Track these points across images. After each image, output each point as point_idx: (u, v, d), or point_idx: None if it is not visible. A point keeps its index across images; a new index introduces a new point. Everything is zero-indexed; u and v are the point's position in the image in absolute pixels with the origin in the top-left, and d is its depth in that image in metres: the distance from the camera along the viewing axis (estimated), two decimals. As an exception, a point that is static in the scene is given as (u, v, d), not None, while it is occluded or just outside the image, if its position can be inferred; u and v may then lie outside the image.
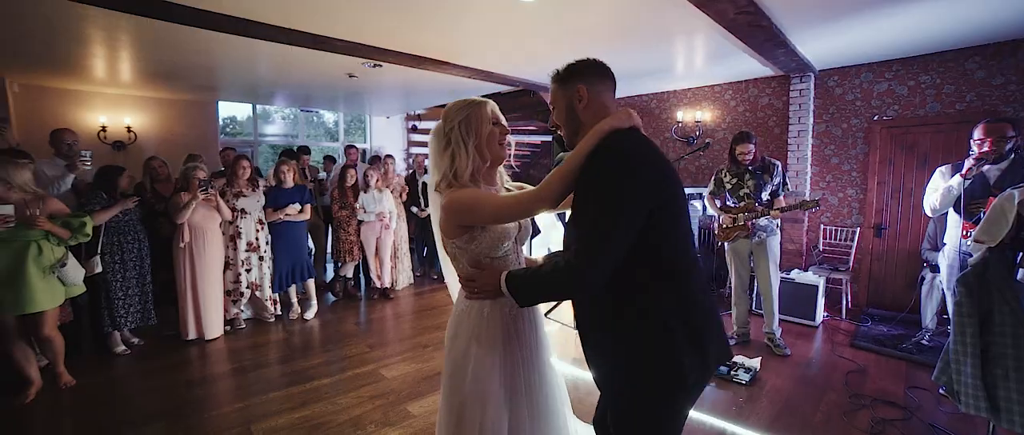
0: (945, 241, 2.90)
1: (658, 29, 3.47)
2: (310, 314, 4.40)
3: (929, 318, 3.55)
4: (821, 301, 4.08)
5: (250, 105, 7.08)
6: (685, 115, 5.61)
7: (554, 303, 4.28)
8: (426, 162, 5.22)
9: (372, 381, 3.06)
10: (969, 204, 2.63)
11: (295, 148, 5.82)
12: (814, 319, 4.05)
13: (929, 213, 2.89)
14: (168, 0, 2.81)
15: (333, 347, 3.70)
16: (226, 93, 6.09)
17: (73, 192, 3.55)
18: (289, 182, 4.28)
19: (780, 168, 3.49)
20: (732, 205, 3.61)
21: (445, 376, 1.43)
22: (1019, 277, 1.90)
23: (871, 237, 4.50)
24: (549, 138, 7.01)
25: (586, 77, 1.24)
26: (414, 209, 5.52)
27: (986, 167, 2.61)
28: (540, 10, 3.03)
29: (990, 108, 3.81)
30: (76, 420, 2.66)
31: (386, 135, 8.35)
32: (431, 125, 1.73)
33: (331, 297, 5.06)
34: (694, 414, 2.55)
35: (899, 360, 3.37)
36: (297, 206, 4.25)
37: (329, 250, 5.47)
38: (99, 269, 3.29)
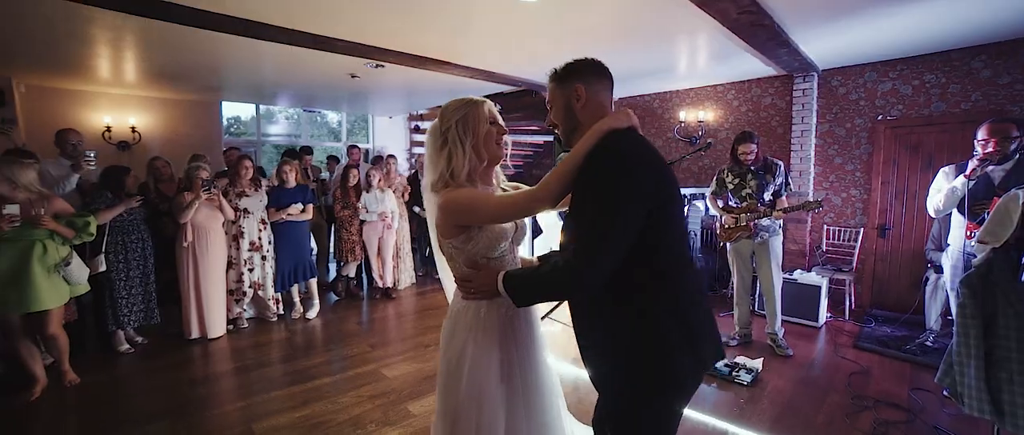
0: (949, 242, 2.88)
1: (660, 29, 3.46)
2: (312, 314, 4.42)
3: (933, 319, 3.52)
4: (824, 302, 4.06)
5: (254, 105, 7.12)
6: (688, 115, 5.59)
7: (554, 304, 4.27)
8: (427, 162, 5.21)
9: (373, 380, 3.07)
10: (973, 205, 2.60)
11: (298, 148, 5.84)
12: (817, 320, 4.02)
13: (933, 214, 2.87)
14: (169, 0, 2.82)
15: (335, 346, 3.71)
16: (230, 93, 6.12)
17: (78, 192, 3.58)
18: (292, 182, 4.30)
19: (782, 168, 3.48)
20: (734, 205, 3.59)
21: (441, 376, 1.43)
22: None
23: (875, 238, 4.47)
24: (551, 138, 6.98)
25: (584, 76, 1.24)
26: (416, 209, 5.52)
27: (990, 168, 2.59)
28: (542, 10, 3.03)
29: (996, 108, 3.78)
30: (80, 418, 2.69)
31: (389, 135, 8.37)
32: (432, 125, 1.72)
33: (333, 297, 5.08)
34: (696, 415, 2.53)
35: (903, 362, 3.34)
36: (299, 206, 4.27)
37: (331, 250, 5.48)
38: (103, 268, 3.32)
